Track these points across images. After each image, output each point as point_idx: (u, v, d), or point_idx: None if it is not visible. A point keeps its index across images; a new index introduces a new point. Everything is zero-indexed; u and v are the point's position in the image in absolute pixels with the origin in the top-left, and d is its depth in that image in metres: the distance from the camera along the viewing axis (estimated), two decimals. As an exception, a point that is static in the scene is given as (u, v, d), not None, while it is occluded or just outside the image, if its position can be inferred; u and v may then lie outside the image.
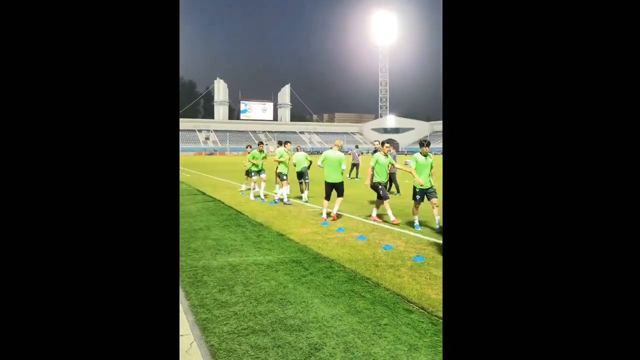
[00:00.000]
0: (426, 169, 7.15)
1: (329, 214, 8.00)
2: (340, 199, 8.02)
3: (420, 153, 7.31)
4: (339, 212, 8.13)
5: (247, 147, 12.87)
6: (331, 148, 8.44)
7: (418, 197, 7.12)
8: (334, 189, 8.03)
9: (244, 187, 13.46)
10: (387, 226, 7.31)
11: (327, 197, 8.10)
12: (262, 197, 11.18)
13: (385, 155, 8.02)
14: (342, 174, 8.14)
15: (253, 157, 11.32)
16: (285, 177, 10.39)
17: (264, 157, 11.54)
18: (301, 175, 11.02)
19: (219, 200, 10.83)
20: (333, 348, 2.87)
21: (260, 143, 12.01)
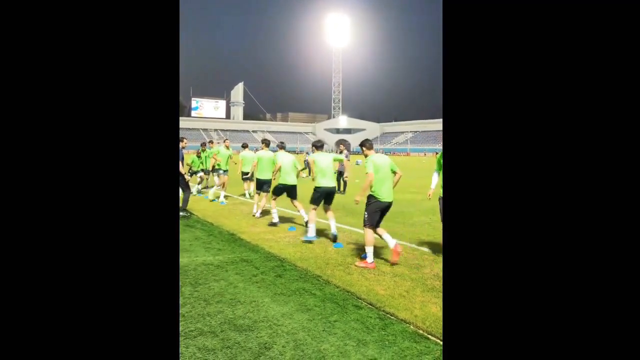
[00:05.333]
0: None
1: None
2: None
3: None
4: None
5: (201, 145, 12.62)
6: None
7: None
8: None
9: (199, 187, 13.24)
10: (338, 224, 7.40)
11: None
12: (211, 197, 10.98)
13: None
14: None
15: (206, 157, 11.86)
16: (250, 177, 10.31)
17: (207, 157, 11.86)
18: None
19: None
20: (283, 346, 2.87)
21: (208, 142, 11.95)
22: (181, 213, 7.91)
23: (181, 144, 8.57)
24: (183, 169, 8.31)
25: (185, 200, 8.22)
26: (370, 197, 5.04)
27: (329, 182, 6.26)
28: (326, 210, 6.39)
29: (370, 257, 4.88)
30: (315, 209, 6.22)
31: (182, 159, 8.21)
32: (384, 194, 5.01)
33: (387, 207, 5.12)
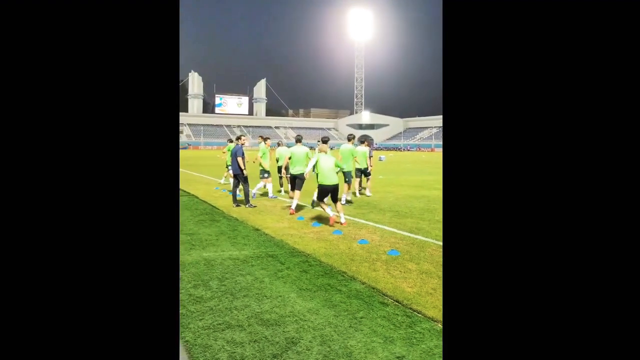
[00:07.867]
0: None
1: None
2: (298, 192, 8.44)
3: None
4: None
5: (228, 141, 12.81)
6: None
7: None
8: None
9: (222, 181, 13.47)
10: (362, 221, 7.37)
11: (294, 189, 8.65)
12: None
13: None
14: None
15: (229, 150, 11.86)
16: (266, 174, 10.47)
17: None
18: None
19: (193, 195, 10.65)
20: (310, 342, 2.88)
21: (237, 138, 11.91)
22: (247, 206, 8.70)
23: (240, 142, 9.16)
24: (244, 165, 8.85)
25: (247, 194, 8.88)
26: None
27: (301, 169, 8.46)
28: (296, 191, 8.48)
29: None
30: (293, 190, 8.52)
31: (243, 155, 8.87)
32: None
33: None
